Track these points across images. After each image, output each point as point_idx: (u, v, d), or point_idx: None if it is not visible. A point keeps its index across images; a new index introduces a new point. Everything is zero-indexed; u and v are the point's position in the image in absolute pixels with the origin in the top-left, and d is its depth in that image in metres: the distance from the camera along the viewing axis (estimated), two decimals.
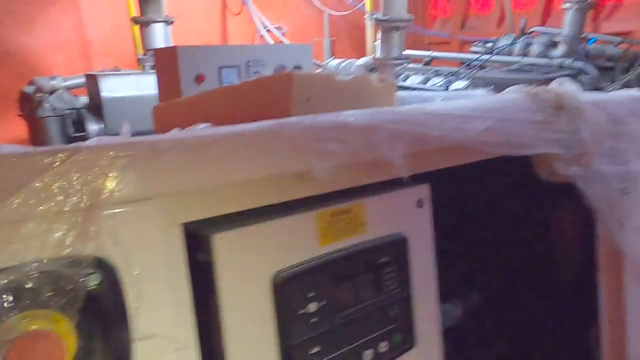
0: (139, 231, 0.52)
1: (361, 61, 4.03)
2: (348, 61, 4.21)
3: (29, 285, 0.45)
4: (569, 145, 1.07)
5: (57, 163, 0.45)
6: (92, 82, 2.80)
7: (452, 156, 0.87)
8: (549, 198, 1.44)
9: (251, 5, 5.98)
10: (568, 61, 3.54)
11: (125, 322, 0.51)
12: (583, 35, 4.53)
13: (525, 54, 4.52)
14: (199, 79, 2.01)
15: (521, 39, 4.73)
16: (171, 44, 3.62)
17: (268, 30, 6.09)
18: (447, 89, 3.75)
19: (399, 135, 0.70)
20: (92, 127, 2.79)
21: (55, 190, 0.45)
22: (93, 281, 0.49)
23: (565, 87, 1.27)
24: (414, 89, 3.90)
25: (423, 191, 0.87)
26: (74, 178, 0.46)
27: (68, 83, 3.63)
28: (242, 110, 0.84)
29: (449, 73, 3.93)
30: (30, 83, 3.54)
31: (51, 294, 0.46)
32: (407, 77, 4.08)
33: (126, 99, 2.75)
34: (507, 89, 1.04)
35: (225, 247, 0.62)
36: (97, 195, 0.47)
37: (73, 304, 0.47)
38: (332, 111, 0.77)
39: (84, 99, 3.08)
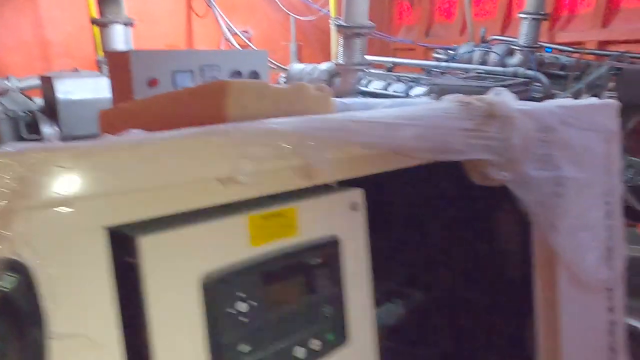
0: (59, 234, 0.54)
1: (324, 66, 4.08)
2: (311, 66, 4.26)
3: None
4: (500, 151, 1.13)
5: None
6: (47, 84, 2.75)
7: (384, 161, 0.91)
8: (493, 201, 1.51)
9: (217, 8, 5.96)
10: (521, 70, 3.69)
11: (40, 322, 0.53)
12: (538, 45, 4.72)
13: (484, 61, 4.68)
14: (152, 83, 2.01)
15: (480, 47, 4.90)
16: (132, 46, 3.58)
17: (234, 34, 6.08)
18: (407, 94, 3.84)
19: (326, 141, 0.74)
20: (47, 129, 2.73)
21: None
22: (8, 283, 0.51)
23: (501, 96, 1.35)
24: (375, 94, 3.98)
25: (357, 195, 0.91)
26: None
27: (23, 84, 3.54)
28: (181, 116, 0.86)
29: (409, 79, 4.03)
30: None
31: None
32: (369, 82, 4.15)
33: (82, 101, 2.71)
34: (442, 98, 1.09)
35: (152, 249, 0.64)
36: (14, 199, 0.49)
37: None
38: (267, 118, 0.81)
39: (39, 101, 3.01)
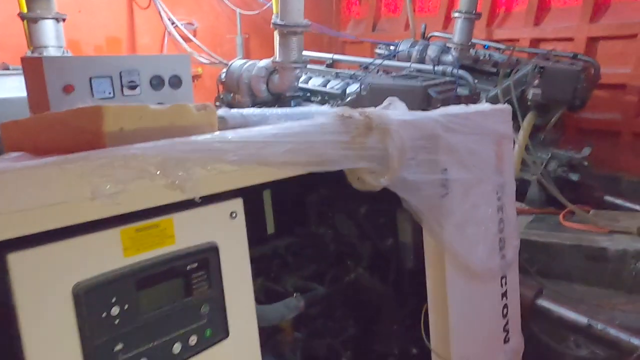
0: None
1: (262, 63, 4.14)
2: (250, 62, 4.31)
3: None
4: (378, 160, 1.26)
5: None
6: None
7: (260, 175, 1.02)
8: (394, 199, 1.64)
9: (158, 0, 5.88)
10: (449, 69, 3.88)
11: None
12: (471, 43, 4.94)
13: (422, 58, 4.86)
14: (67, 89, 2.03)
15: (419, 43, 5.07)
16: (63, 42, 3.52)
17: (176, 27, 6.02)
18: (344, 91, 3.96)
19: (188, 162, 0.83)
20: None
21: None
22: None
23: (392, 107, 1.48)
24: (313, 90, 4.08)
25: (235, 205, 1.02)
26: None
27: None
28: (66, 136, 0.94)
29: (346, 76, 4.15)
30: None
31: None
32: (309, 79, 4.25)
33: (8, 100, 2.67)
34: (319, 113, 1.21)
35: (21, 265, 0.72)
36: None
37: None
38: (147, 139, 0.89)
39: None
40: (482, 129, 1.73)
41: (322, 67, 4.76)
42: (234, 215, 1.01)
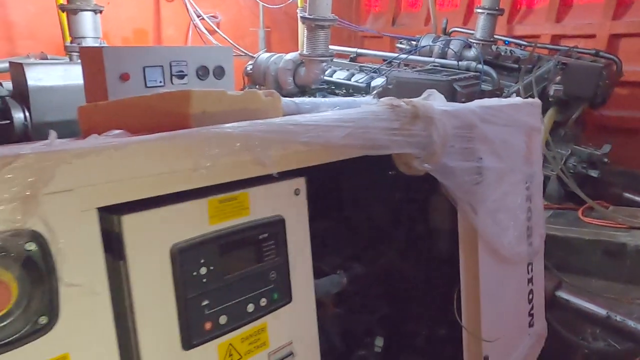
0: (64, 213, 0.72)
1: (289, 56, 4.24)
2: (277, 55, 4.41)
3: None
4: (423, 146, 1.35)
5: (6, 165, 0.65)
6: (17, 70, 2.82)
7: (321, 156, 1.12)
8: (427, 186, 1.74)
9: None
10: (473, 65, 3.94)
11: (54, 275, 0.72)
12: (493, 39, 4.98)
13: (444, 53, 4.92)
14: (124, 77, 2.15)
15: (441, 39, 5.13)
16: (100, 33, 3.65)
17: (202, 19, 6.14)
18: (369, 85, 4.05)
19: (269, 141, 0.94)
20: (17, 115, 2.82)
21: (4, 185, 0.65)
22: (30, 247, 0.69)
23: (431, 98, 1.57)
24: (338, 83, 4.17)
25: (299, 183, 1.12)
26: (20, 175, 0.66)
27: None
28: (151, 117, 1.05)
29: (370, 70, 4.24)
30: None
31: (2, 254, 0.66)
32: (333, 72, 4.34)
33: (53, 88, 2.80)
34: (374, 102, 1.31)
35: (131, 225, 0.84)
36: (34, 188, 0.67)
37: (14, 262, 0.67)
38: (226, 121, 1.00)
39: (8, 85, 3.07)
40: (514, 121, 1.82)
41: (346, 61, 4.85)
42: (297, 192, 1.12)
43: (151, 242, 0.87)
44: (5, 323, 0.69)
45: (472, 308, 1.73)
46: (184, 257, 0.91)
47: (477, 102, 1.69)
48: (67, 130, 2.90)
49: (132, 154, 0.80)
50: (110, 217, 0.83)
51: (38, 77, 2.77)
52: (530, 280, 2.05)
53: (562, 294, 2.96)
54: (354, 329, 1.75)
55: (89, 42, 3.53)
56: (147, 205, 0.86)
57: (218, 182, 0.94)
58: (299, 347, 1.14)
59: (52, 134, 0.81)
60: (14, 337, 0.70)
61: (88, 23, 3.52)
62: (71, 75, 2.83)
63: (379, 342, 1.75)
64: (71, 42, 3.60)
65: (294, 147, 1.00)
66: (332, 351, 1.66)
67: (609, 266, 3.19)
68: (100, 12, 3.64)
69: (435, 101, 1.54)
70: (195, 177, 0.87)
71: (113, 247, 0.83)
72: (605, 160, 4.22)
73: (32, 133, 2.83)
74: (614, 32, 5.18)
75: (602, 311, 2.82)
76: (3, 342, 0.69)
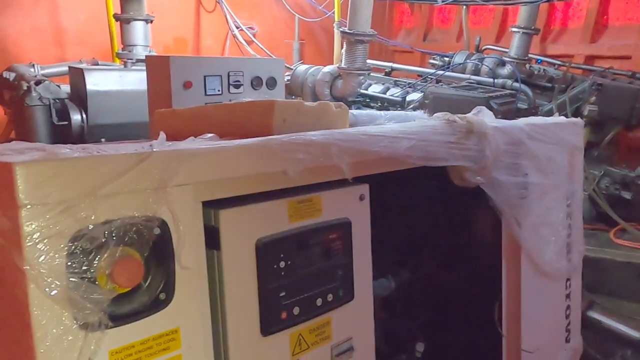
0: (182, 203, 0.83)
1: (327, 69, 4.37)
2: (315, 67, 4.54)
3: (123, 230, 0.76)
4: (476, 160, 1.43)
5: (141, 160, 0.76)
6: (77, 74, 3.01)
7: (386, 165, 1.21)
8: (471, 199, 1.80)
9: (224, 4, 6.20)
10: (509, 82, 4.00)
11: (172, 257, 0.82)
12: (527, 57, 5.03)
13: (477, 70, 4.98)
14: (187, 85, 2.29)
15: (474, 56, 5.20)
16: (150, 42, 3.84)
17: (240, 30, 6.33)
18: (404, 99, 4.14)
19: (346, 149, 1.04)
20: (75, 116, 2.99)
21: (141, 177, 0.76)
22: (157, 231, 0.80)
23: (480, 114, 1.65)
24: (374, 97, 4.27)
25: (364, 189, 1.21)
26: (151, 171, 0.77)
27: (47, 71, 3.79)
28: (233, 125, 1.15)
29: (406, 84, 4.33)
30: (9, 69, 3.68)
31: (134, 236, 0.77)
32: (369, 86, 4.44)
33: (109, 92, 2.97)
34: (433, 115, 1.39)
35: (227, 219, 0.94)
36: (160, 181, 0.79)
37: (145, 244, 0.78)
38: (301, 130, 1.10)
39: (65, 88, 3.26)
40: (558, 139, 1.88)
41: (380, 75, 4.95)
42: (362, 197, 1.21)
43: (241, 235, 0.97)
44: (134, 296, 0.80)
45: (512, 318, 1.78)
46: (267, 251, 1.00)
47: (524, 120, 1.75)
48: (119, 132, 3.05)
49: (237, 154, 0.90)
50: (209, 210, 0.93)
51: (96, 81, 2.95)
52: (567, 296, 2.08)
53: (594, 314, 2.96)
54: (396, 333, 1.82)
55: (139, 50, 3.72)
56: (238, 202, 0.96)
57: (300, 185, 1.03)
58: (357, 343, 1.22)
59: (162, 135, 0.92)
60: (141, 308, 0.80)
61: (139, 32, 3.71)
62: (126, 81, 3.01)
63: (420, 347, 1.81)
64: (122, 49, 3.79)
65: (365, 156, 1.09)
66: (375, 353, 1.73)
67: None
68: (151, 21, 3.83)
69: (485, 117, 1.61)
70: (282, 179, 0.97)
71: (211, 238, 0.93)
72: (639, 182, 4.20)
73: (87, 134, 3.00)
74: None
75: (634, 333, 2.81)
76: (133, 312, 0.79)
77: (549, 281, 1.94)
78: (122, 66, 3.67)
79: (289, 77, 4.75)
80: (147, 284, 0.81)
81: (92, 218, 0.74)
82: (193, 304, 0.86)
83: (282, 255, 1.03)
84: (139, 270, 0.78)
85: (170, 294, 0.83)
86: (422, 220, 1.98)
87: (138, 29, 3.70)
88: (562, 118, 2.03)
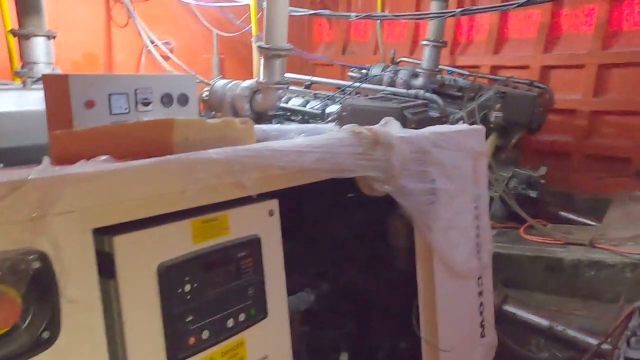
0: (65, 233, 0.77)
1: (246, 83, 4.34)
2: (234, 82, 4.50)
3: None
4: (383, 170, 1.48)
5: (13, 189, 0.70)
6: None
7: (294, 179, 1.21)
8: (386, 207, 1.86)
9: (137, 19, 6.00)
10: (421, 93, 4.20)
11: (57, 291, 0.76)
12: (438, 68, 5.32)
13: (392, 82, 5.19)
14: (90, 104, 2.17)
15: (389, 68, 5.42)
16: (53, 58, 3.61)
17: (155, 45, 6.14)
18: (323, 111, 4.20)
19: (249, 166, 1.03)
20: None
21: (15, 207, 0.69)
22: (36, 265, 0.74)
23: (388, 125, 1.71)
24: (294, 110, 4.30)
25: (273, 204, 1.21)
26: (26, 200, 0.71)
27: None
28: (133, 144, 1.10)
29: (325, 97, 4.41)
30: None
31: (9, 272, 0.70)
32: (289, 99, 4.47)
33: (6, 114, 2.75)
34: (338, 129, 1.42)
35: (122, 245, 0.89)
36: (38, 210, 0.72)
37: (22, 280, 0.71)
38: (205, 147, 1.07)
39: None
40: (462, 146, 1.99)
41: (300, 88, 5.00)
42: (272, 212, 1.20)
43: (140, 260, 0.92)
44: (11, 338, 0.72)
45: (429, 319, 1.84)
46: (169, 275, 0.97)
47: (429, 129, 1.84)
48: (20, 156, 2.83)
49: (128, 178, 0.86)
50: (102, 237, 0.88)
51: None
52: (480, 293, 2.20)
53: (509, 308, 3.16)
54: (320, 345, 1.82)
55: (41, 68, 3.48)
56: (135, 227, 0.92)
57: (202, 204, 1.01)
58: None
59: (46, 159, 0.86)
60: (20, 351, 0.73)
61: (40, 48, 3.48)
62: (25, 101, 2.80)
63: (344, 357, 1.83)
64: (22, 67, 3.53)
65: (271, 171, 1.09)
66: None
67: (549, 280, 3.41)
68: (54, 37, 3.61)
69: (392, 128, 1.67)
70: (182, 200, 0.94)
71: (104, 266, 0.88)
72: (542, 181, 4.57)
73: None
74: (545, 64, 5.66)
75: (545, 322, 3.03)
76: (12, 355, 0.72)
77: (462, 281, 2.04)
78: (22, 85, 3.42)
79: (207, 93, 4.67)
80: (26, 323, 0.74)
81: None
82: (84, 339, 0.81)
83: (187, 278, 1.00)
84: (15, 308, 0.71)
85: (55, 331, 0.77)
86: (340, 230, 2.00)
87: (38, 45, 3.47)
88: (465, 126, 2.16)
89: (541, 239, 3.63)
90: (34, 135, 2.65)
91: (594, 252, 3.36)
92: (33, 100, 2.55)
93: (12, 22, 4.10)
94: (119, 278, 0.89)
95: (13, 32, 3.61)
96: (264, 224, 1.18)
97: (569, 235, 3.61)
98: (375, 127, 1.54)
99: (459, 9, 4.67)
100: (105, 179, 0.83)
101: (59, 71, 3.67)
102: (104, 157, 0.98)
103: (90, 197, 0.81)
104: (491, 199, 4.34)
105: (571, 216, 4.64)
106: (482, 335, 2.22)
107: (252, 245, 1.14)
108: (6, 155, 2.78)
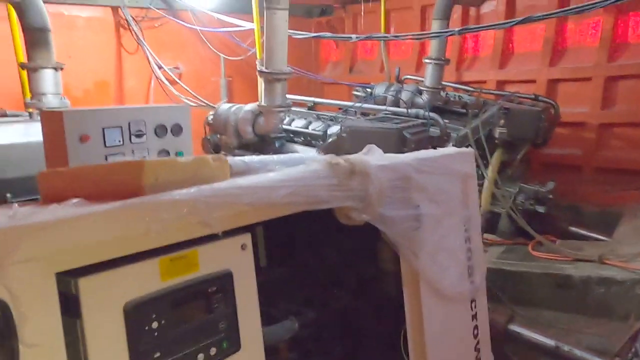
0: (24, 280, 0.81)
1: (249, 107, 4.42)
2: (237, 106, 4.58)
3: None
4: (360, 199, 1.50)
5: None
6: None
7: (266, 213, 1.25)
8: (374, 232, 1.87)
9: (146, 46, 6.17)
10: (421, 112, 4.22)
11: (15, 337, 0.80)
12: (441, 86, 5.33)
13: (397, 100, 5.21)
14: (84, 139, 2.25)
15: (393, 87, 5.45)
16: (61, 89, 3.74)
17: (163, 71, 6.30)
18: (325, 132, 4.25)
19: (215, 205, 1.06)
20: None
21: None
22: None
23: (370, 153, 1.74)
24: (296, 132, 4.35)
25: (245, 238, 1.24)
26: None
27: None
28: (107, 186, 1.15)
29: (327, 118, 4.45)
30: None
31: None
32: (292, 121, 4.53)
33: (13, 146, 2.86)
34: (312, 160, 1.45)
35: (88, 286, 0.93)
36: None
37: None
38: (177, 187, 1.12)
39: None
40: (448, 170, 2.00)
41: (304, 110, 5.07)
42: (244, 247, 1.23)
43: (106, 301, 0.96)
44: None
45: (418, 346, 1.84)
46: (136, 313, 1.00)
47: (413, 154, 1.86)
48: (27, 186, 2.92)
49: (89, 223, 0.90)
50: (68, 279, 0.92)
51: None
52: (474, 317, 2.18)
53: (514, 327, 3.11)
54: None
55: (50, 98, 3.61)
56: (102, 267, 0.96)
57: (169, 243, 1.04)
58: None
59: (14, 206, 0.91)
60: None
61: (49, 80, 3.61)
62: (32, 132, 2.90)
63: None
64: (31, 99, 3.67)
65: (238, 208, 1.12)
66: None
67: (558, 297, 3.35)
68: (61, 69, 3.74)
69: (373, 155, 1.70)
70: (146, 240, 0.98)
71: (70, 307, 0.92)
72: (550, 196, 4.51)
73: None
74: (551, 78, 5.63)
75: (551, 342, 2.97)
76: None
77: (453, 304, 2.03)
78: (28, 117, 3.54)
79: (212, 116, 4.77)
80: None
81: None
82: None
83: (154, 315, 1.03)
84: None
85: None
86: (330, 255, 2.02)
87: (47, 77, 3.60)
88: (453, 149, 2.17)
89: (550, 255, 3.57)
90: (40, 166, 2.74)
91: (604, 269, 3.29)
92: (38, 131, 2.64)
93: (24, 54, 4.25)
94: (84, 318, 0.92)
95: (22, 66, 3.75)
96: (236, 258, 1.21)
97: (579, 252, 3.54)
98: (353, 156, 1.56)
99: (458, 29, 4.70)
100: (67, 226, 0.87)
101: (67, 101, 3.79)
102: (75, 200, 1.03)
103: (51, 244, 0.85)
104: (498, 215, 4.32)
105: (581, 231, 4.56)
106: (478, 359, 2.20)
107: (223, 279, 1.17)
108: (15, 185, 2.88)
